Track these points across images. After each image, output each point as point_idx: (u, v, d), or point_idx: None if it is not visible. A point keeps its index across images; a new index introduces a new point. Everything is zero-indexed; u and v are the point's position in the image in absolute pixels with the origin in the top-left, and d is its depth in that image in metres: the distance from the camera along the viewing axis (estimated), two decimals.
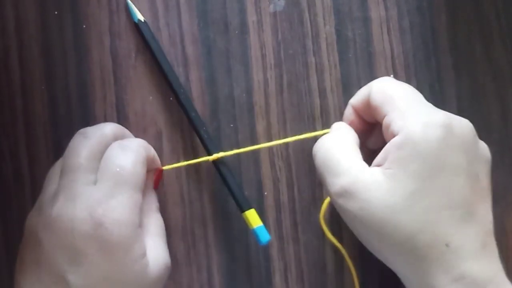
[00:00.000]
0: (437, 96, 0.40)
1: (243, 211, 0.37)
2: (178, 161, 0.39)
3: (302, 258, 0.39)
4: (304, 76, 0.40)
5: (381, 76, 0.39)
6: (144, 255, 0.33)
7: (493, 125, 0.41)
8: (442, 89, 0.41)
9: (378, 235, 0.31)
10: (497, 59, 0.41)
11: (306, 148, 0.40)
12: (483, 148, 0.33)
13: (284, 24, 0.41)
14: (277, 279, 0.39)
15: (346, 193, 0.31)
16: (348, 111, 0.37)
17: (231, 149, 0.38)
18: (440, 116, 0.31)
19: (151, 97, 0.40)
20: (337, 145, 0.34)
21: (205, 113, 0.40)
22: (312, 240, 0.40)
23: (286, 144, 0.40)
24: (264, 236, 0.36)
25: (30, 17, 0.40)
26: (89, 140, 0.33)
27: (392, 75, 0.40)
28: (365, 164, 0.32)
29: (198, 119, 0.38)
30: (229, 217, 0.40)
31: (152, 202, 0.37)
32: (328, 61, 0.40)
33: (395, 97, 0.33)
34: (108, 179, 0.32)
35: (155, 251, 0.34)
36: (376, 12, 0.41)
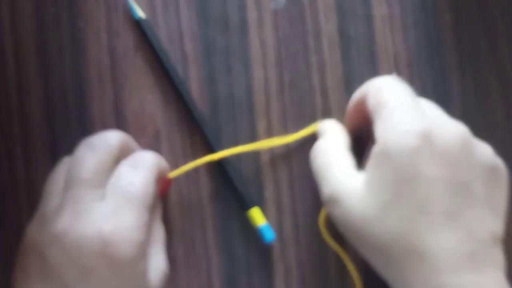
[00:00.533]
0: (441, 95, 0.40)
1: (247, 209, 0.37)
2: (177, 161, 0.39)
3: (304, 260, 0.39)
4: (306, 74, 0.40)
5: (384, 75, 0.39)
6: (147, 268, 0.33)
7: (497, 124, 0.40)
8: (446, 88, 0.40)
9: (358, 242, 0.32)
10: (501, 57, 0.40)
11: (307, 148, 0.39)
12: (482, 154, 0.32)
13: (285, 22, 0.40)
14: (278, 282, 0.39)
15: (331, 200, 0.32)
16: (349, 111, 0.37)
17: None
18: (420, 124, 0.30)
19: (149, 96, 0.40)
20: (328, 151, 0.34)
21: (205, 112, 0.40)
22: (314, 242, 0.39)
23: (287, 144, 0.39)
24: (269, 235, 0.37)
25: (26, 14, 0.40)
26: (96, 153, 0.33)
27: (395, 73, 0.40)
28: (352, 171, 0.33)
29: (201, 117, 0.38)
30: (228, 218, 0.39)
31: (157, 212, 0.37)
32: (330, 59, 0.40)
33: (383, 105, 0.32)
34: (117, 197, 0.32)
35: (156, 260, 0.35)
36: (379, 10, 0.40)
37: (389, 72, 0.40)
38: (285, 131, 0.40)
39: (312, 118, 0.40)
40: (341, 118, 0.39)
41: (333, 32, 0.40)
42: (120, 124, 0.39)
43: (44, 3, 0.40)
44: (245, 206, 0.38)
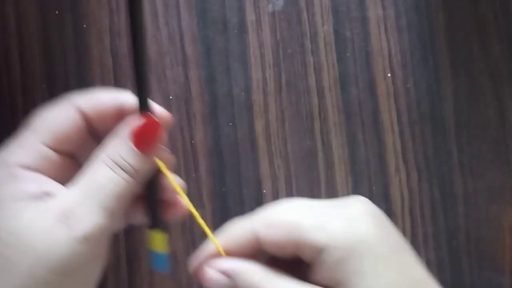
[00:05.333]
0: (434, 95, 0.41)
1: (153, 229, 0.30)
2: (178, 160, 0.40)
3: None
4: (303, 75, 0.41)
5: (379, 75, 0.40)
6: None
7: (490, 124, 0.41)
8: (439, 88, 0.41)
9: None
10: (494, 58, 0.41)
11: (305, 147, 0.40)
12: None
13: (282, 24, 0.41)
14: None
15: None
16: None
17: (230, 148, 0.39)
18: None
19: (150, 96, 0.40)
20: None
21: (204, 111, 0.40)
22: None
23: (285, 142, 0.40)
24: (162, 265, 0.31)
25: (30, 16, 0.40)
26: None
27: (389, 74, 0.41)
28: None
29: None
30: (228, 215, 0.40)
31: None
32: (326, 60, 0.41)
33: (295, 228, 0.27)
34: None
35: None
36: (374, 12, 0.41)
37: (384, 72, 0.41)
38: (283, 130, 0.40)
39: (309, 117, 0.41)
40: (337, 117, 0.40)
41: (330, 34, 0.41)
42: None
43: (48, 5, 0.41)
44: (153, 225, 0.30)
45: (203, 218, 0.40)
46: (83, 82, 0.40)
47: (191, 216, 0.40)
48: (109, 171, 0.27)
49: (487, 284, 0.40)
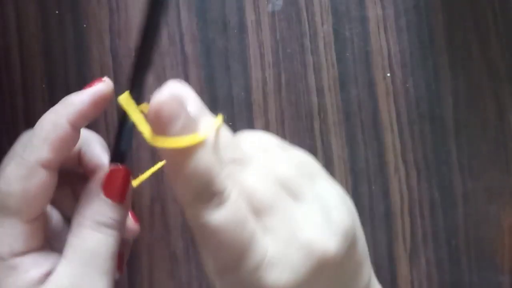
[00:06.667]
0: (433, 95, 0.41)
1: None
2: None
3: None
4: (302, 75, 0.41)
5: (379, 75, 0.40)
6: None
7: (489, 123, 0.41)
8: (439, 88, 0.41)
9: None
10: (493, 57, 0.41)
11: (304, 146, 0.40)
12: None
13: (282, 24, 0.41)
14: None
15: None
16: None
17: None
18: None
19: (150, 96, 0.40)
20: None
21: None
22: None
23: (284, 140, 0.40)
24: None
25: (31, 16, 0.41)
26: None
27: (389, 74, 0.41)
28: None
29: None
30: None
31: (89, 216, 0.27)
32: (326, 60, 0.41)
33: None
34: None
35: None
36: (373, 12, 0.41)
37: (383, 72, 0.41)
38: (282, 130, 0.41)
39: (308, 117, 0.41)
40: (337, 117, 0.40)
41: (329, 33, 0.41)
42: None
43: (48, 5, 0.41)
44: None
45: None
46: (83, 82, 0.40)
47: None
48: (95, 234, 0.26)
49: (486, 284, 0.40)
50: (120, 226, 0.27)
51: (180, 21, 0.41)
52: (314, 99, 0.41)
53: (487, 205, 0.41)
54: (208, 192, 0.23)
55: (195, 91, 0.41)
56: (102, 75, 0.40)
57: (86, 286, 0.26)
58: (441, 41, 0.41)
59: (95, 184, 0.27)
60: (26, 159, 0.27)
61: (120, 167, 0.28)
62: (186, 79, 0.41)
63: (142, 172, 0.39)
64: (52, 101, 0.40)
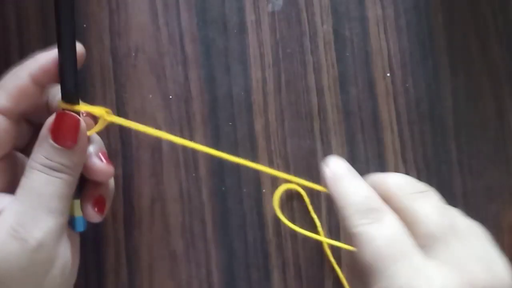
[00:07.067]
0: (433, 95, 0.41)
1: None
2: (178, 159, 0.40)
3: (300, 255, 0.40)
4: (302, 74, 0.41)
5: (378, 75, 0.40)
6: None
7: (489, 123, 0.41)
8: (439, 88, 0.41)
9: None
10: (493, 58, 0.41)
11: (304, 146, 0.40)
12: None
13: (282, 24, 0.41)
14: (275, 275, 0.40)
15: None
16: None
17: (230, 148, 0.39)
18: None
19: (150, 95, 0.40)
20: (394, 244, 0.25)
21: (204, 111, 0.40)
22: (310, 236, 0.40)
23: (284, 141, 0.40)
24: (80, 226, 0.32)
25: (31, 15, 0.41)
26: None
27: (388, 74, 0.41)
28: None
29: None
30: (227, 214, 0.40)
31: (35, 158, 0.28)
32: (326, 60, 0.41)
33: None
34: None
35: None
36: (373, 12, 0.41)
37: (383, 72, 0.41)
38: (282, 130, 0.41)
39: (308, 117, 0.41)
40: (336, 117, 0.40)
41: (329, 33, 0.41)
42: None
43: (48, 5, 0.41)
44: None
45: (203, 217, 0.40)
46: (83, 82, 0.40)
47: (190, 215, 0.40)
48: (43, 176, 0.28)
49: None
50: (71, 170, 0.28)
51: (180, 20, 0.41)
52: (314, 99, 0.41)
53: (487, 204, 0.41)
54: (367, 209, 0.26)
55: (195, 91, 0.41)
56: (102, 75, 0.41)
57: (30, 223, 0.27)
58: (441, 41, 0.41)
59: (45, 128, 0.28)
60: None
61: (68, 112, 0.28)
62: (186, 79, 0.41)
63: (142, 172, 0.39)
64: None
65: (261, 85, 0.41)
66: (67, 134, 0.28)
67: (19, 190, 0.28)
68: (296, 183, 0.33)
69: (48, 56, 0.30)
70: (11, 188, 0.29)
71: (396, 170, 0.41)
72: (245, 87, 0.41)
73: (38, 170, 0.28)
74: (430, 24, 0.41)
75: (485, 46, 0.41)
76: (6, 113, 0.29)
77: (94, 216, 0.31)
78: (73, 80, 0.29)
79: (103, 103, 0.40)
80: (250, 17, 0.41)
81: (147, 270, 0.39)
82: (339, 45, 0.41)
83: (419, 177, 0.41)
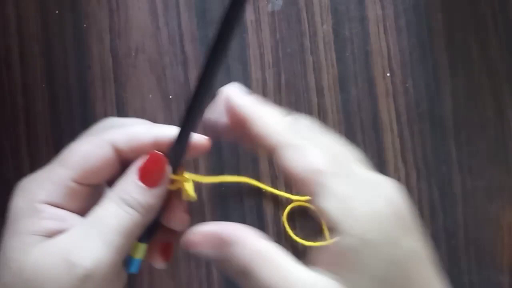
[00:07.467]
0: (433, 94, 0.41)
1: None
2: None
3: (299, 254, 0.40)
4: (302, 74, 0.41)
5: (378, 75, 0.40)
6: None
7: (488, 123, 0.41)
8: (438, 88, 0.41)
9: None
10: (493, 57, 0.41)
11: None
12: None
13: (282, 24, 0.41)
14: None
15: None
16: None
17: (230, 148, 0.39)
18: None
19: (150, 95, 0.41)
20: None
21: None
22: (309, 235, 0.40)
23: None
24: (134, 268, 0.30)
25: (31, 16, 0.41)
26: None
27: (388, 74, 0.41)
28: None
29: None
30: (227, 214, 0.40)
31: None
32: (326, 59, 0.41)
33: (318, 176, 0.24)
34: None
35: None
36: (373, 11, 0.41)
37: (383, 71, 0.41)
38: None
39: (308, 117, 0.41)
40: (336, 116, 0.40)
41: (329, 33, 0.41)
42: None
43: (48, 4, 0.41)
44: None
45: (202, 217, 0.40)
46: (83, 82, 0.40)
47: (190, 212, 0.40)
48: (114, 207, 0.27)
49: (486, 283, 0.40)
50: (143, 209, 0.27)
51: (180, 21, 0.41)
52: (314, 99, 0.41)
53: (486, 204, 0.41)
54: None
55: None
56: (102, 75, 0.41)
57: (83, 251, 0.26)
58: (440, 41, 0.41)
59: (134, 165, 0.28)
60: (100, 136, 0.28)
61: (158, 153, 0.28)
62: (186, 78, 0.41)
63: None
64: (52, 101, 0.40)
65: (261, 85, 0.41)
66: (151, 173, 0.28)
67: (88, 215, 0.27)
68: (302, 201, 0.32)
69: (144, 136, 0.29)
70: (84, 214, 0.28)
71: (396, 169, 0.41)
72: (245, 87, 0.41)
73: (112, 201, 0.27)
74: (430, 24, 0.41)
75: (484, 46, 0.41)
76: (118, 147, 0.28)
77: (160, 262, 0.30)
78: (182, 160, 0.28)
79: (103, 103, 0.40)
80: (250, 17, 0.41)
81: (147, 270, 0.39)
82: (339, 45, 0.41)
83: (419, 177, 0.41)
